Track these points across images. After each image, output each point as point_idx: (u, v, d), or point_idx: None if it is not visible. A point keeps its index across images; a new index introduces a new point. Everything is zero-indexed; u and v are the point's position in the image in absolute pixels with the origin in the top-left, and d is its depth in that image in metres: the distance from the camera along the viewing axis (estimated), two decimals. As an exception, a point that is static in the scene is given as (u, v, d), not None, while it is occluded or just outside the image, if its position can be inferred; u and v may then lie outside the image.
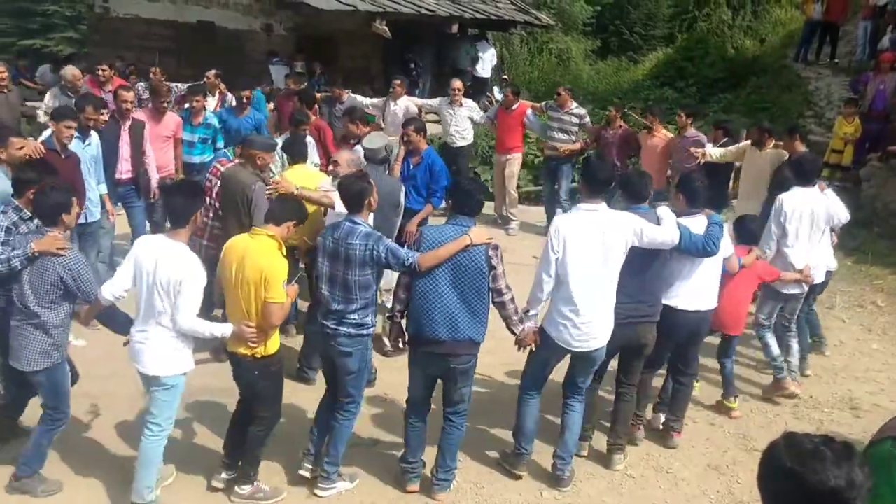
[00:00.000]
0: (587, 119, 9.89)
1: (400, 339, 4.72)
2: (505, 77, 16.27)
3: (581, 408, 4.86)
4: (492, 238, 4.47)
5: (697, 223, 4.96)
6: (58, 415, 4.44)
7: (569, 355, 4.73)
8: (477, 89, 15.91)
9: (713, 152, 8.19)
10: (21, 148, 5.12)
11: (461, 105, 9.90)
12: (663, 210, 4.86)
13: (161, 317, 4.13)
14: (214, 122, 8.39)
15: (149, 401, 4.36)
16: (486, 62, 16.21)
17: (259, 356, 4.30)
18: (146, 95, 10.03)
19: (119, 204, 7.21)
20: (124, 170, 7.10)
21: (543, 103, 10.40)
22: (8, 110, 8.35)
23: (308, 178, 5.96)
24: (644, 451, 5.30)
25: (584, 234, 4.46)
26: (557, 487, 4.83)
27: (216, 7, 15.28)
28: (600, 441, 5.24)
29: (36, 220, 4.48)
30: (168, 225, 4.37)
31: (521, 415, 4.90)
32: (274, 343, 4.37)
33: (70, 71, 8.81)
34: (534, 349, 4.75)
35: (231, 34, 15.03)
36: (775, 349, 5.98)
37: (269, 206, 4.69)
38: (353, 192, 4.48)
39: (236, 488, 4.51)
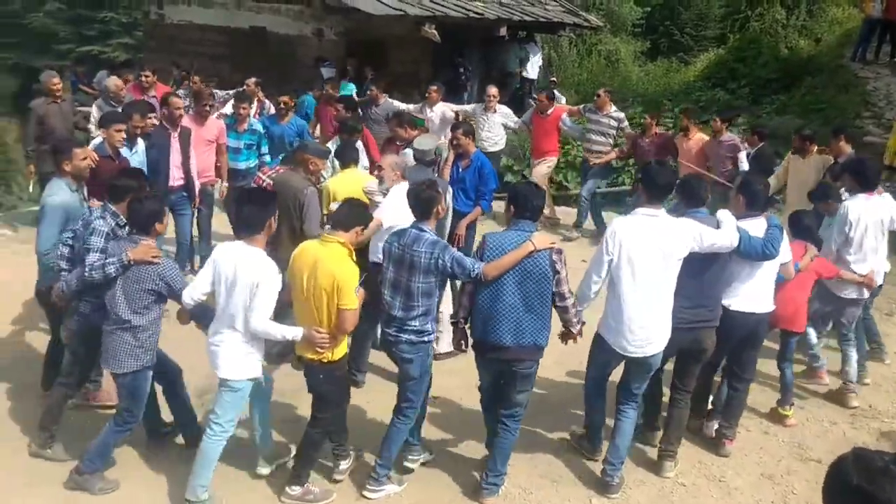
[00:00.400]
0: (625, 124, 9.84)
1: (462, 342, 4.74)
2: (553, 79, 16.19)
3: (634, 414, 4.82)
4: (555, 242, 4.45)
5: (756, 226, 4.89)
6: (130, 418, 4.54)
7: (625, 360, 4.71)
8: (526, 91, 15.91)
9: None
10: (84, 159, 5.20)
11: (495, 111, 9.92)
12: (723, 213, 4.80)
13: (235, 321, 4.21)
14: (259, 127, 8.47)
15: (214, 401, 4.45)
16: (534, 64, 16.23)
17: (326, 361, 4.36)
18: (186, 102, 10.16)
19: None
20: (176, 177, 7.19)
21: (581, 106, 10.39)
22: (62, 119, 8.57)
23: (357, 181, 6.05)
24: (696, 458, 5.22)
25: (642, 239, 4.43)
26: (606, 494, 4.78)
27: (267, 13, 15.51)
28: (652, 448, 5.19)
29: (127, 227, 4.57)
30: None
31: (589, 410, 5.05)
32: (341, 348, 4.43)
33: (112, 82, 8.98)
34: (577, 341, 4.71)
35: (282, 39, 15.24)
36: (813, 338, 5.98)
37: (336, 213, 4.64)
38: (423, 199, 4.48)
39: (286, 488, 4.56)
